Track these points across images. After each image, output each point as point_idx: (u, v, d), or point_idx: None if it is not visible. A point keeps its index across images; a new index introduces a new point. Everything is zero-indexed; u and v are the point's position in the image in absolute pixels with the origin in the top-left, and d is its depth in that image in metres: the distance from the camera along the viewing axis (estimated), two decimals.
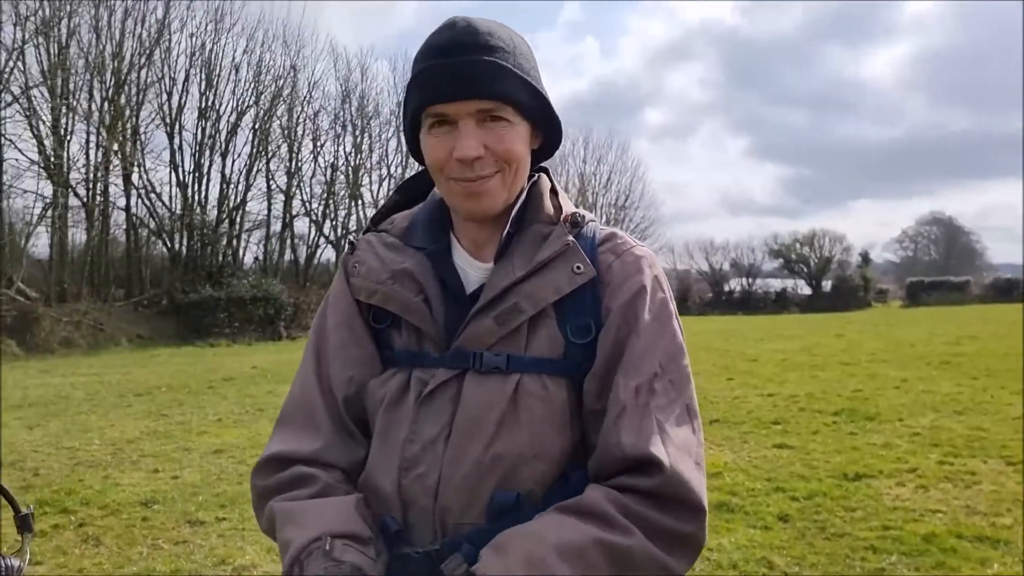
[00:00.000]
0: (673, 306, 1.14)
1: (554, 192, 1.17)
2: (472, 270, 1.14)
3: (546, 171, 1.20)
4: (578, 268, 1.07)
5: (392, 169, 30.96)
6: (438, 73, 1.03)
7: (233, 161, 25.89)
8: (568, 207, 1.16)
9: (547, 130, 1.13)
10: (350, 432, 1.14)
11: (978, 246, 72.14)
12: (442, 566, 0.96)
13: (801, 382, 10.71)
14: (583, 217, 1.15)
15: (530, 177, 1.17)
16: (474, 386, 1.05)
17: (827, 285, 46.18)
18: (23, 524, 1.11)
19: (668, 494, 0.98)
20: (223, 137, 25.53)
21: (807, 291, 46.53)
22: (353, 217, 29.62)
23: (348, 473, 1.11)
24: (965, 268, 61.39)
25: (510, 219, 1.11)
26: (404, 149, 31.52)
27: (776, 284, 47.58)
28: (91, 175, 22.32)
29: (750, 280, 46.92)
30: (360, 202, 29.68)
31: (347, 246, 1.23)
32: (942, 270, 59.54)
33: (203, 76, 24.87)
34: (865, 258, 48.70)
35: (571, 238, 1.10)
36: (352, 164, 29.24)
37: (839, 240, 47.40)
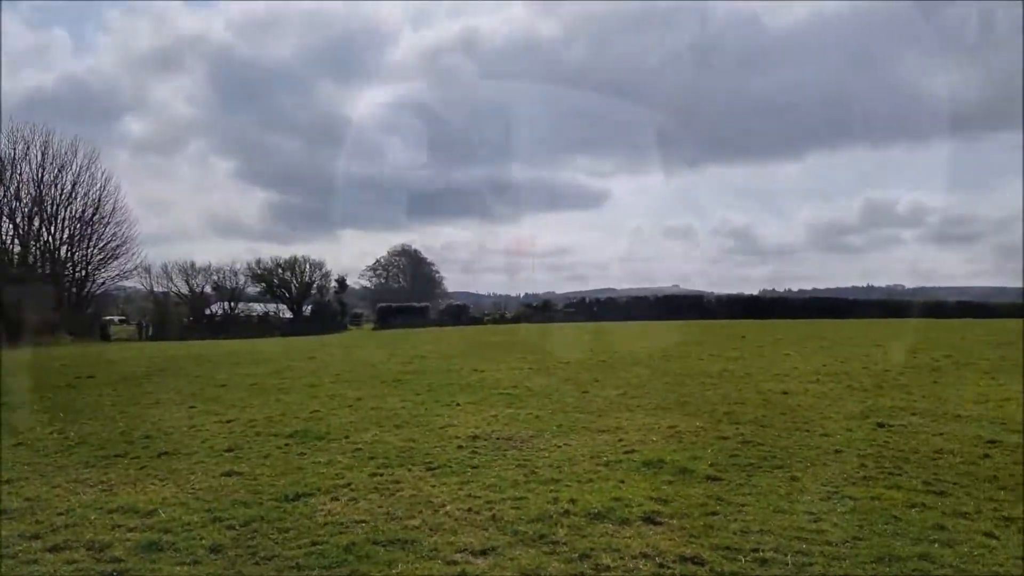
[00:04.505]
0: None
1: None
2: None
3: None
4: None
5: None
6: None
7: None
8: None
9: None
10: None
11: (438, 276, 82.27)
12: None
13: (265, 406, 10.81)
14: None
15: None
16: None
17: (308, 309, 48.11)
18: None
19: None
20: None
21: (289, 315, 47.82)
22: None
23: None
24: (428, 295, 69.40)
25: None
26: None
27: (260, 308, 48.00)
28: None
29: (232, 304, 46.57)
30: None
31: None
32: (409, 296, 66.40)
33: None
34: (342, 284, 52.00)
35: None
36: None
37: (319, 267, 49.88)
